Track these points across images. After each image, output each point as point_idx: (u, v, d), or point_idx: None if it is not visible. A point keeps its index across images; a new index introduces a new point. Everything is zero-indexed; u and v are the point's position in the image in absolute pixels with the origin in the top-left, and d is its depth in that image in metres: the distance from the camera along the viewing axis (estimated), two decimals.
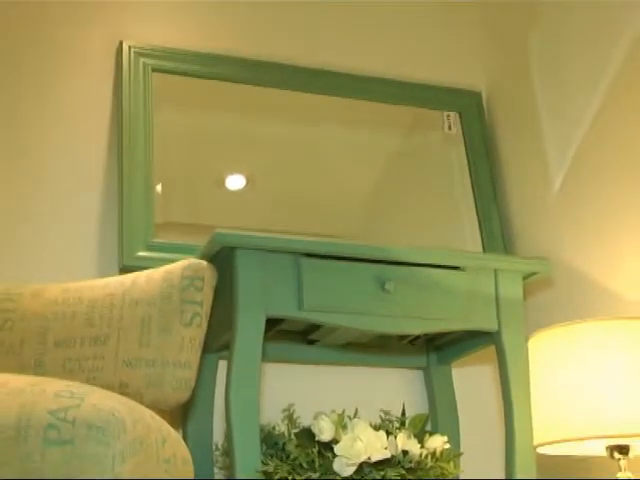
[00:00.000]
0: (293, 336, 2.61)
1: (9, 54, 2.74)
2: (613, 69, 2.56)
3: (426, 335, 2.67)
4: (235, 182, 2.86)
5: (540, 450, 2.27)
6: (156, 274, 2.13)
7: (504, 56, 3.11)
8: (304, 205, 2.83)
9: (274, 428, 2.39)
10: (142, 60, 2.75)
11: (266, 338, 2.20)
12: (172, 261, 2.21)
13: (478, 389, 2.86)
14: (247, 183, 2.86)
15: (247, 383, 2.12)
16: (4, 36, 2.75)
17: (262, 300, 2.18)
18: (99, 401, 1.46)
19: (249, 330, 2.15)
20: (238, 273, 2.19)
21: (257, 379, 2.12)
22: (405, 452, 2.37)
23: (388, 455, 2.33)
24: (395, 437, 2.37)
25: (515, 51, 3.04)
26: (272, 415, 2.48)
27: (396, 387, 2.80)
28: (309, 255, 2.25)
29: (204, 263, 2.15)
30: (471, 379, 2.86)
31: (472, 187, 2.97)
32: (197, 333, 2.07)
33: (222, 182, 2.82)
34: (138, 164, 2.64)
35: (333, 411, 2.40)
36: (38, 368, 2.04)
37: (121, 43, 2.76)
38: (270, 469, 2.23)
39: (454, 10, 3.23)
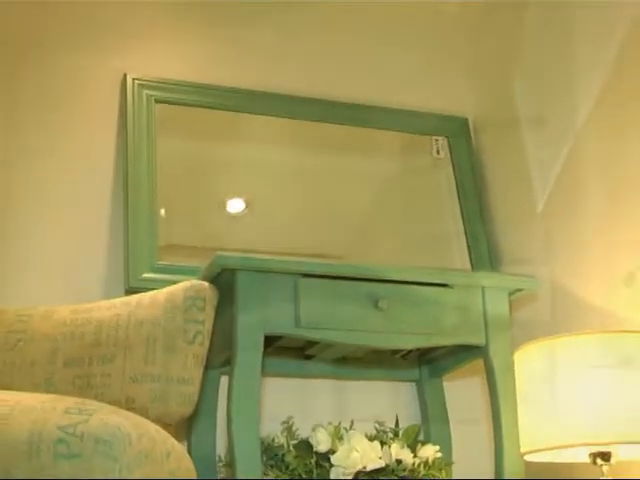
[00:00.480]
0: (291, 352, 2.70)
1: (12, 84, 2.84)
2: (593, 97, 2.66)
3: (418, 350, 2.76)
4: (235, 206, 2.96)
5: (527, 457, 2.36)
6: (160, 295, 2.23)
7: (489, 83, 3.21)
8: (300, 227, 2.93)
9: (274, 440, 2.49)
10: (145, 92, 2.86)
11: (265, 354, 2.29)
12: (175, 282, 2.30)
13: (468, 400, 2.94)
14: (246, 207, 2.96)
15: (247, 397, 2.20)
16: (7, 66, 2.85)
17: (261, 318, 2.28)
18: (106, 417, 1.56)
19: (249, 347, 2.25)
20: (238, 293, 2.28)
21: (257, 393, 2.21)
22: (399, 461, 2.47)
23: (382, 464, 2.43)
24: (389, 447, 2.47)
25: (500, 78, 3.13)
26: (272, 428, 2.56)
27: (390, 399, 2.88)
28: (306, 275, 2.34)
29: (205, 284, 2.25)
30: (461, 391, 2.94)
31: (460, 208, 3.05)
32: (200, 350, 2.17)
33: (223, 206, 2.93)
34: (142, 190, 2.74)
35: (330, 423, 2.50)
36: (49, 386, 2.14)
37: (125, 76, 2.88)
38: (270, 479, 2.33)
39: (441, 39, 3.32)
